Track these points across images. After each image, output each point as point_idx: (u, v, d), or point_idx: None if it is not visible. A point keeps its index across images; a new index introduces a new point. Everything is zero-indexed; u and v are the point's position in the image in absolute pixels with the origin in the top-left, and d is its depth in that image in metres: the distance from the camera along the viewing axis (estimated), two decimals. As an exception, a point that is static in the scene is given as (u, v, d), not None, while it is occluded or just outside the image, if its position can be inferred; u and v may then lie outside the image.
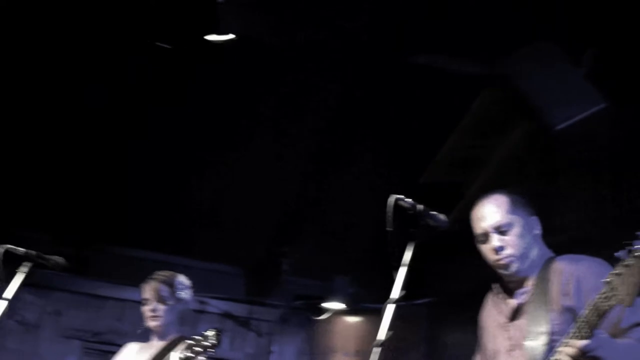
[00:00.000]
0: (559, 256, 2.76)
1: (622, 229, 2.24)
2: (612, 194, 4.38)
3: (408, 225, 2.55)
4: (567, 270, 2.66)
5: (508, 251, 2.71)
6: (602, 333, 2.34)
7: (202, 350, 3.27)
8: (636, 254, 2.17)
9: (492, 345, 2.86)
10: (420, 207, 2.57)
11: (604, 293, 2.24)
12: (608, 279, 2.23)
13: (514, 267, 2.72)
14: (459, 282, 5.19)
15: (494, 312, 2.89)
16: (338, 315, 6.78)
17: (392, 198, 2.51)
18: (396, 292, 2.45)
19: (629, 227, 2.19)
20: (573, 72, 4.15)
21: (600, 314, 2.27)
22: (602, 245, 2.52)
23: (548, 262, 2.73)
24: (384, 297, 2.46)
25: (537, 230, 2.80)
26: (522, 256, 2.71)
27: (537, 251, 2.75)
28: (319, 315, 6.72)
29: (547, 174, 4.73)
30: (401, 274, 2.48)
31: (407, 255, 2.50)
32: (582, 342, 2.29)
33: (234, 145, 5.17)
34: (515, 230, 2.73)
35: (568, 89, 4.24)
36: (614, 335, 2.43)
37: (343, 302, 6.53)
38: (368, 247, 4.93)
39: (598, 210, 4.43)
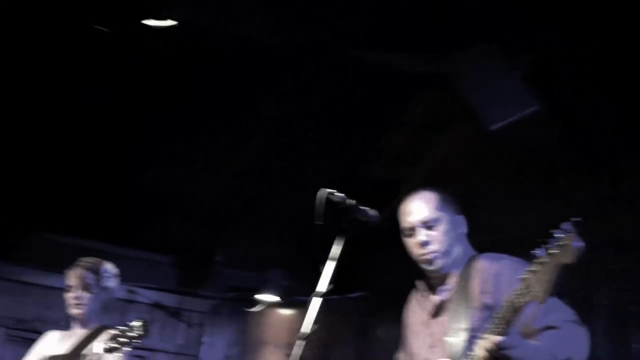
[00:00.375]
0: (482, 254, 2.81)
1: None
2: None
3: (338, 220, 2.54)
4: (488, 268, 2.71)
5: (433, 246, 2.75)
6: (517, 333, 2.39)
7: (127, 341, 3.20)
8: (551, 252, 2.24)
9: (414, 342, 2.90)
10: (350, 201, 2.57)
11: (519, 290, 2.30)
12: (523, 276, 2.29)
13: (438, 263, 2.76)
14: (392, 277, 5.22)
15: (416, 309, 2.93)
16: (272, 308, 6.75)
17: (322, 192, 2.50)
18: (323, 285, 2.44)
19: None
20: (511, 74, 4.21)
21: (516, 310, 2.32)
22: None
23: (471, 260, 2.78)
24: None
25: (463, 229, 2.85)
26: (446, 252, 2.76)
27: (461, 249, 2.80)
28: (252, 307, 6.68)
29: (488, 175, 4.80)
30: (329, 267, 2.47)
31: (336, 249, 2.50)
32: (499, 338, 2.33)
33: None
34: (442, 227, 2.77)
35: (504, 90, 4.30)
36: (527, 335, 2.47)
37: (277, 295, 6.51)
38: (303, 240, 4.92)
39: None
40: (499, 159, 4.74)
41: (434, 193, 2.85)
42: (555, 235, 2.24)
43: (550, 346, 2.45)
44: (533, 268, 2.27)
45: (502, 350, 2.33)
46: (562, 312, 2.58)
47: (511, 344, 2.34)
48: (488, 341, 2.36)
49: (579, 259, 2.22)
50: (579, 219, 2.23)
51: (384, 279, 5.52)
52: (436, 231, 2.76)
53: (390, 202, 3.80)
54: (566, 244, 2.22)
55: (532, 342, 2.46)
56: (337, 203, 2.53)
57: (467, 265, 2.76)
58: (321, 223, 2.44)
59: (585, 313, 2.63)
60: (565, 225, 2.24)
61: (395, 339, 3.16)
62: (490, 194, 4.78)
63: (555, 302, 2.57)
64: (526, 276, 2.28)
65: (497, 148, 4.65)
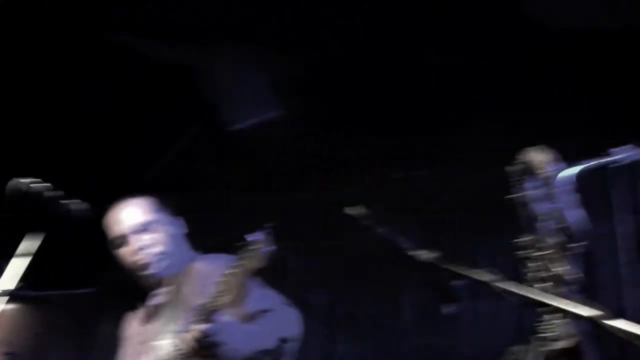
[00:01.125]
0: (201, 256, 2.80)
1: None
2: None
3: (33, 212, 2.36)
4: (204, 269, 2.70)
5: (151, 250, 2.69)
6: (226, 316, 2.42)
7: None
8: (243, 256, 2.35)
9: (127, 352, 2.83)
10: (52, 193, 2.40)
11: (217, 292, 2.36)
12: (219, 280, 2.36)
13: (157, 267, 2.70)
14: (120, 273, 5.04)
15: (132, 318, 2.87)
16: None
17: (14, 182, 2.31)
18: (6, 283, 2.25)
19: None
20: (260, 75, 4.26)
21: (214, 311, 2.36)
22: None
23: (190, 263, 2.76)
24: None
25: (182, 231, 2.81)
26: (166, 254, 2.71)
27: (181, 252, 2.77)
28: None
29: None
30: (18, 263, 2.28)
31: (29, 245, 2.32)
32: (202, 326, 2.35)
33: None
34: (158, 230, 2.72)
35: (251, 90, 4.34)
36: (242, 320, 2.53)
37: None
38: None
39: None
40: (242, 161, 4.78)
41: (146, 198, 2.80)
42: (247, 240, 2.34)
43: (265, 327, 2.52)
44: (228, 272, 2.35)
45: (207, 337, 2.35)
46: (274, 298, 2.67)
47: (217, 329, 2.36)
48: (192, 331, 2.37)
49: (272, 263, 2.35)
50: (271, 224, 2.33)
51: (113, 274, 5.31)
52: (153, 234, 2.71)
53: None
54: (256, 249, 2.34)
55: (245, 324, 2.51)
56: (32, 194, 2.34)
57: (185, 268, 2.73)
58: (11, 215, 2.24)
59: (302, 313, 2.74)
60: (257, 231, 2.36)
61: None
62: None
63: (267, 290, 2.67)
64: (222, 280, 2.35)
65: (241, 150, 4.69)
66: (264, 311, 2.57)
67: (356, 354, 4.31)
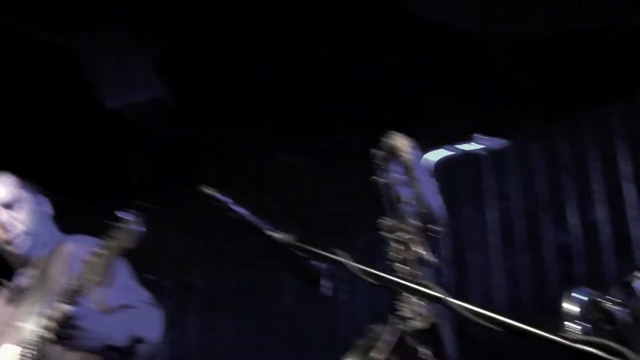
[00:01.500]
0: (70, 237, 2.75)
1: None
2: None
3: None
4: (71, 250, 2.66)
5: (17, 228, 2.63)
6: (88, 302, 2.37)
7: None
8: (111, 236, 2.32)
9: None
10: None
11: (84, 273, 2.31)
12: (86, 259, 2.32)
13: (22, 245, 2.65)
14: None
15: None
16: None
17: None
18: None
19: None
20: (138, 58, 4.18)
21: (79, 292, 2.31)
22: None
23: (58, 244, 2.71)
24: None
25: (48, 211, 2.77)
26: (31, 234, 2.66)
27: (48, 232, 2.73)
28: None
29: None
30: None
31: None
32: (68, 307, 2.29)
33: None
34: (24, 208, 2.67)
35: (130, 73, 4.25)
36: (103, 312, 2.47)
37: None
38: None
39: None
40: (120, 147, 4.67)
41: (12, 175, 2.74)
42: (118, 219, 2.32)
43: (125, 322, 2.48)
44: (95, 251, 2.31)
45: (70, 319, 2.29)
46: (138, 293, 2.63)
47: (82, 314, 2.31)
48: (56, 311, 2.30)
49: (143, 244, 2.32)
50: (145, 204, 2.29)
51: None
52: (18, 212, 2.65)
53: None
54: (125, 228, 2.30)
55: (103, 315, 2.45)
56: None
57: (53, 249, 2.68)
58: None
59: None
60: (127, 210, 2.33)
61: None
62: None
63: (133, 283, 2.64)
64: (89, 259, 2.32)
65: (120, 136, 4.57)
66: (126, 307, 2.53)
67: (235, 331, 4.33)
